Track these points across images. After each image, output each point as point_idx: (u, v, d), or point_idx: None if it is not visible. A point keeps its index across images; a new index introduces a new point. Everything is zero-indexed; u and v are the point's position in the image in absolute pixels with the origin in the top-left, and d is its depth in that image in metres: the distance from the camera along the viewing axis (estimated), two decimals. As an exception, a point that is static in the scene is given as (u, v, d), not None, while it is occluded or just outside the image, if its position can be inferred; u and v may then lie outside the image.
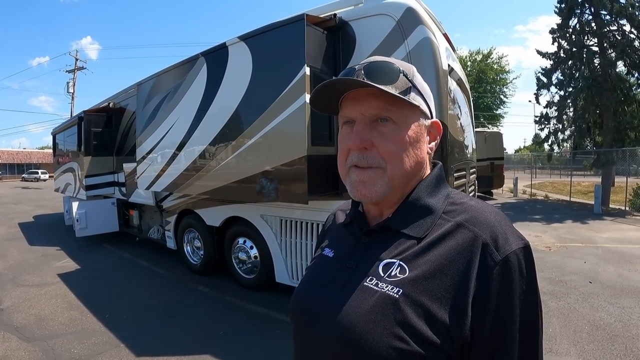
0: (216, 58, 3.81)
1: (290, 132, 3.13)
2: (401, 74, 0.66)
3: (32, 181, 36.09)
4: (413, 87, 0.67)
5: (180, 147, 4.34)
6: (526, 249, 0.60)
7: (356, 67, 0.67)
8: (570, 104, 13.14)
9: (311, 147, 3.05)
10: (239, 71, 3.54)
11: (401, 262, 0.62)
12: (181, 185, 4.37)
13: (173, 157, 4.45)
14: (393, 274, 0.61)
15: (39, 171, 39.38)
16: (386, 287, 0.60)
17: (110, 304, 4.18)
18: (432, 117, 0.72)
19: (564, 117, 13.48)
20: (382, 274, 0.62)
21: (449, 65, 3.40)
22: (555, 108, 13.49)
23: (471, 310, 0.56)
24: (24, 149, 49.59)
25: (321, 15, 3.38)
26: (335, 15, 3.36)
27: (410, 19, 3.07)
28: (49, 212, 12.25)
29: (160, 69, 4.91)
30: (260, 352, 3.10)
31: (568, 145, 16.02)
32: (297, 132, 3.06)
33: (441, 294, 0.57)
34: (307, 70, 3.00)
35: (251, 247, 4.34)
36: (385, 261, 0.64)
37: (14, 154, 43.80)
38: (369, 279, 0.63)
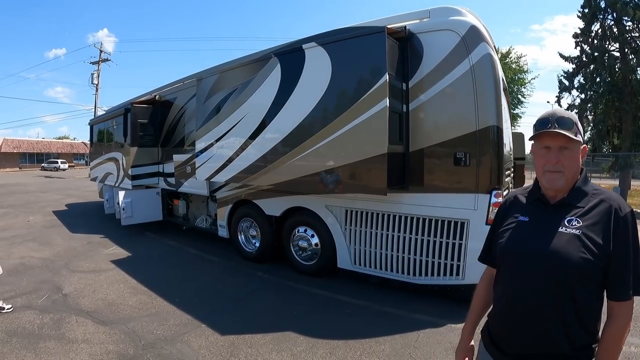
0: (291, 59, 4.08)
1: (370, 132, 3.42)
2: (575, 124, 1.18)
3: (51, 170, 36.27)
4: (578, 130, 1.20)
5: (248, 142, 4.58)
6: (632, 212, 1.16)
7: (550, 118, 1.20)
8: (592, 108, 13.32)
9: (389, 145, 3.35)
10: (317, 74, 3.83)
11: (577, 218, 1.17)
12: (248, 177, 4.62)
13: (240, 150, 4.69)
14: (573, 224, 1.16)
15: (59, 161, 39.62)
16: (572, 230, 1.15)
17: (176, 288, 4.28)
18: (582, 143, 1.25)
19: (584, 120, 13.67)
20: (567, 225, 1.17)
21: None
22: (576, 111, 13.68)
23: (612, 238, 1.11)
24: (43, 138, 49.81)
25: (392, 26, 3.64)
26: (405, 27, 3.66)
27: (474, 36, 3.43)
28: (79, 201, 12.57)
29: (219, 64, 5.18)
30: (336, 329, 3.30)
31: (587, 148, 16.16)
32: (378, 132, 3.36)
33: (599, 231, 1.13)
34: (387, 77, 3.31)
35: (312, 236, 4.61)
36: (568, 218, 1.19)
37: (34, 144, 43.62)
38: (561, 227, 1.18)
